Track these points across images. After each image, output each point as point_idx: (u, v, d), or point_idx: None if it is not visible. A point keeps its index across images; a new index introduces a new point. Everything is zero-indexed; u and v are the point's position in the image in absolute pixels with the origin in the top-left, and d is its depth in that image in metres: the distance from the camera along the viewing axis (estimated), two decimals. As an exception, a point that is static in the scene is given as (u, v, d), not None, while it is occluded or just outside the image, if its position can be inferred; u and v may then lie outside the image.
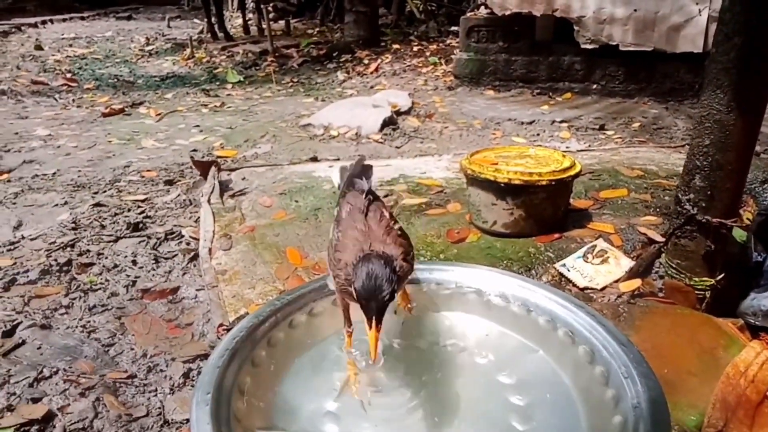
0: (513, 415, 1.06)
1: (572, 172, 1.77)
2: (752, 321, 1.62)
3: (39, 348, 1.47)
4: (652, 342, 1.31)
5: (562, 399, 1.09)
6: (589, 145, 3.26)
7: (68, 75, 6.00)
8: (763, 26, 1.30)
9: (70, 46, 8.22)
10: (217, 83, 5.61)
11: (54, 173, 2.93)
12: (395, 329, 1.27)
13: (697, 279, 1.57)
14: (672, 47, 4.07)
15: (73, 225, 2.22)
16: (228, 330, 1.45)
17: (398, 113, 3.93)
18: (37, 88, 5.33)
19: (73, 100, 4.87)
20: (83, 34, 9.60)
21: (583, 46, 4.34)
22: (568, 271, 1.62)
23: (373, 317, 0.92)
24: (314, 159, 3.05)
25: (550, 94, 4.58)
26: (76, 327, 1.57)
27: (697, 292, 1.56)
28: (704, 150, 1.45)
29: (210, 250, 1.94)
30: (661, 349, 1.30)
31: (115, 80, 5.85)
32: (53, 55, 7.25)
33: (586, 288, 1.57)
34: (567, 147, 3.17)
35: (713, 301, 1.58)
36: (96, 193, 2.64)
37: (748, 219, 1.93)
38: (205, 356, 1.44)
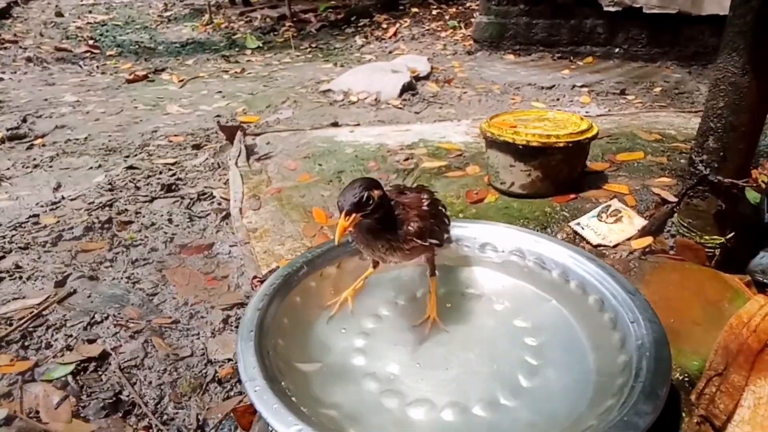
0: (526, 352, 1.16)
1: (589, 135, 1.83)
2: (760, 278, 1.68)
3: (89, 296, 1.60)
4: (660, 294, 1.39)
5: (572, 341, 1.18)
6: (609, 110, 3.27)
7: (90, 42, 6.08)
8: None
9: (90, 12, 8.26)
10: (237, 49, 5.65)
11: (86, 138, 3.05)
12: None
13: (707, 237, 1.63)
14: (698, 9, 4.00)
15: (109, 186, 2.34)
16: (262, 282, 1.56)
17: (417, 78, 3.95)
18: (61, 55, 5.43)
19: (97, 67, 4.97)
20: (101, 0, 9.62)
21: (606, 9, 4.29)
22: (582, 229, 1.69)
23: (344, 209, 1.02)
24: (335, 124, 3.12)
25: (571, 58, 4.55)
26: (122, 278, 1.70)
27: (707, 250, 1.63)
28: (718, 112, 1.49)
29: (240, 209, 2.05)
30: (668, 300, 1.38)
31: (137, 46, 5.92)
32: (74, 22, 7.32)
33: (600, 245, 1.64)
34: (587, 112, 3.19)
35: (723, 259, 1.64)
36: (127, 156, 2.76)
37: (762, 181, 1.97)
38: (242, 305, 1.56)
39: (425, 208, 1.18)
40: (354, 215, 1.03)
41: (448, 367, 1.14)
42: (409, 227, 1.13)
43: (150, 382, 1.32)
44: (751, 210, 1.71)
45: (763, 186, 1.92)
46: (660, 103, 3.40)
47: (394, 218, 1.13)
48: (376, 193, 1.05)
